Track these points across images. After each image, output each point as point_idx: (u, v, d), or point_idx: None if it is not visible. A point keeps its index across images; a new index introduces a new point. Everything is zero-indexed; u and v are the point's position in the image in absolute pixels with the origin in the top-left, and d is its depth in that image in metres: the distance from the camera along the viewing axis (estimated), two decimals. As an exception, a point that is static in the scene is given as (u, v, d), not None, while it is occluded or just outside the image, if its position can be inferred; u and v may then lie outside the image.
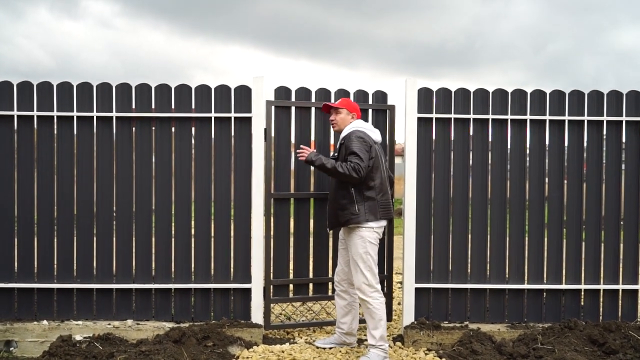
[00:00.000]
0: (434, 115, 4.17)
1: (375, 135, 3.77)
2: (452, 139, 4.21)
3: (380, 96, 4.23)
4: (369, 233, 3.62)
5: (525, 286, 4.24)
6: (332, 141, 4.22)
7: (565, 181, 4.25)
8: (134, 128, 4.12)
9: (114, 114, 4.08)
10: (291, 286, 4.33)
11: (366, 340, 3.90)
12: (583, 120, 4.23)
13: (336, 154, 3.78)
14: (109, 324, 4.05)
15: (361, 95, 4.21)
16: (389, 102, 4.29)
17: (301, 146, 3.81)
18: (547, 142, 4.24)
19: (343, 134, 3.74)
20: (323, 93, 4.19)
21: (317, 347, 3.91)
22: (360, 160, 3.53)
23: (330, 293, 4.29)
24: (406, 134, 4.12)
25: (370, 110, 4.22)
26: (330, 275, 4.26)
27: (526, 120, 4.21)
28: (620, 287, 4.26)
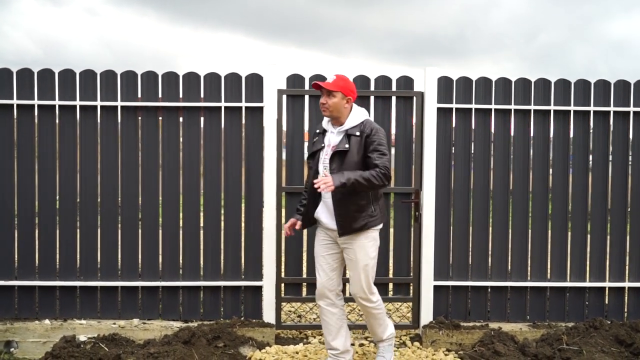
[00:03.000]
0: (454, 106, 3.99)
1: None
2: (473, 129, 4.03)
3: (404, 82, 4.02)
4: (377, 234, 3.23)
5: (548, 284, 4.08)
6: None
7: (590, 173, 4.09)
8: (139, 118, 3.93)
9: (118, 103, 3.88)
10: (304, 284, 4.14)
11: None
12: (609, 111, 4.06)
13: (347, 146, 3.05)
14: (114, 324, 3.87)
15: (382, 81, 4.01)
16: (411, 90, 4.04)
17: (314, 181, 2.97)
18: (571, 134, 4.07)
19: (349, 124, 3.12)
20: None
21: None
22: (387, 161, 3.05)
23: (347, 294, 4.10)
24: (425, 124, 3.94)
25: (393, 98, 4.00)
26: (347, 275, 4.08)
27: (550, 110, 4.03)
28: (646, 284, 4.10)
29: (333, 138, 3.18)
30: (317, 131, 3.32)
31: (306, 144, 4.01)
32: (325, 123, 3.26)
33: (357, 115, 3.17)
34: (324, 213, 3.22)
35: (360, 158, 3.09)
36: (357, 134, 3.10)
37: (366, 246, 3.16)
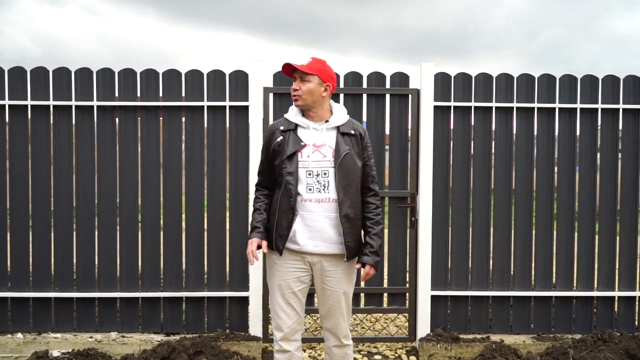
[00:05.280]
0: (452, 104, 3.75)
1: None
2: (473, 129, 3.79)
3: (399, 79, 3.77)
4: None
5: (553, 293, 3.84)
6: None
7: (598, 173, 3.84)
8: (117, 118, 3.70)
9: (94, 102, 3.66)
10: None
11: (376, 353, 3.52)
12: (618, 109, 3.82)
13: (346, 149, 2.46)
14: (91, 337, 3.65)
15: (376, 78, 3.75)
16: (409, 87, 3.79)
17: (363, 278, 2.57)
18: (577, 132, 3.82)
19: (338, 120, 2.53)
20: (328, 79, 3.75)
21: None
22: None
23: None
24: (421, 124, 3.69)
25: (387, 96, 3.76)
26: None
27: (555, 108, 3.79)
28: (658, 293, 3.86)
29: (319, 136, 2.50)
30: (282, 128, 2.52)
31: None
32: (294, 116, 2.54)
33: (343, 110, 2.61)
34: (304, 232, 2.46)
35: (359, 164, 2.53)
36: (352, 132, 2.53)
37: (353, 274, 2.60)
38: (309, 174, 2.46)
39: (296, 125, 2.52)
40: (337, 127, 2.52)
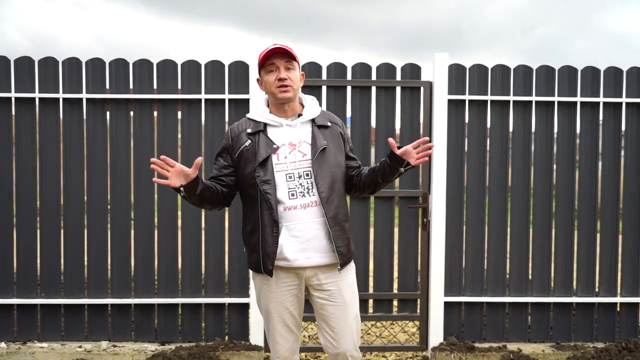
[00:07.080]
0: (467, 97, 3.52)
1: None
2: (489, 124, 3.56)
3: (410, 71, 3.53)
4: None
5: (574, 299, 3.61)
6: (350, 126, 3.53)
7: (622, 172, 3.61)
8: (108, 112, 3.47)
9: (83, 95, 3.42)
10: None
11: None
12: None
13: (324, 143, 2.17)
14: (80, 347, 3.41)
15: (385, 69, 3.51)
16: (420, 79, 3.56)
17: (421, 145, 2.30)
18: (600, 127, 3.59)
19: (312, 112, 2.23)
20: (336, 69, 3.51)
21: None
22: None
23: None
24: (434, 118, 3.46)
25: (398, 88, 3.52)
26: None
27: (576, 102, 3.56)
28: (685, 299, 3.63)
29: (294, 133, 2.19)
30: (249, 130, 2.18)
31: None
32: (262, 114, 2.21)
33: (314, 101, 2.32)
34: (292, 245, 2.13)
35: (341, 159, 2.25)
36: (328, 124, 2.24)
37: (353, 282, 2.29)
38: (289, 178, 2.13)
39: (265, 125, 2.19)
40: (312, 120, 2.22)
